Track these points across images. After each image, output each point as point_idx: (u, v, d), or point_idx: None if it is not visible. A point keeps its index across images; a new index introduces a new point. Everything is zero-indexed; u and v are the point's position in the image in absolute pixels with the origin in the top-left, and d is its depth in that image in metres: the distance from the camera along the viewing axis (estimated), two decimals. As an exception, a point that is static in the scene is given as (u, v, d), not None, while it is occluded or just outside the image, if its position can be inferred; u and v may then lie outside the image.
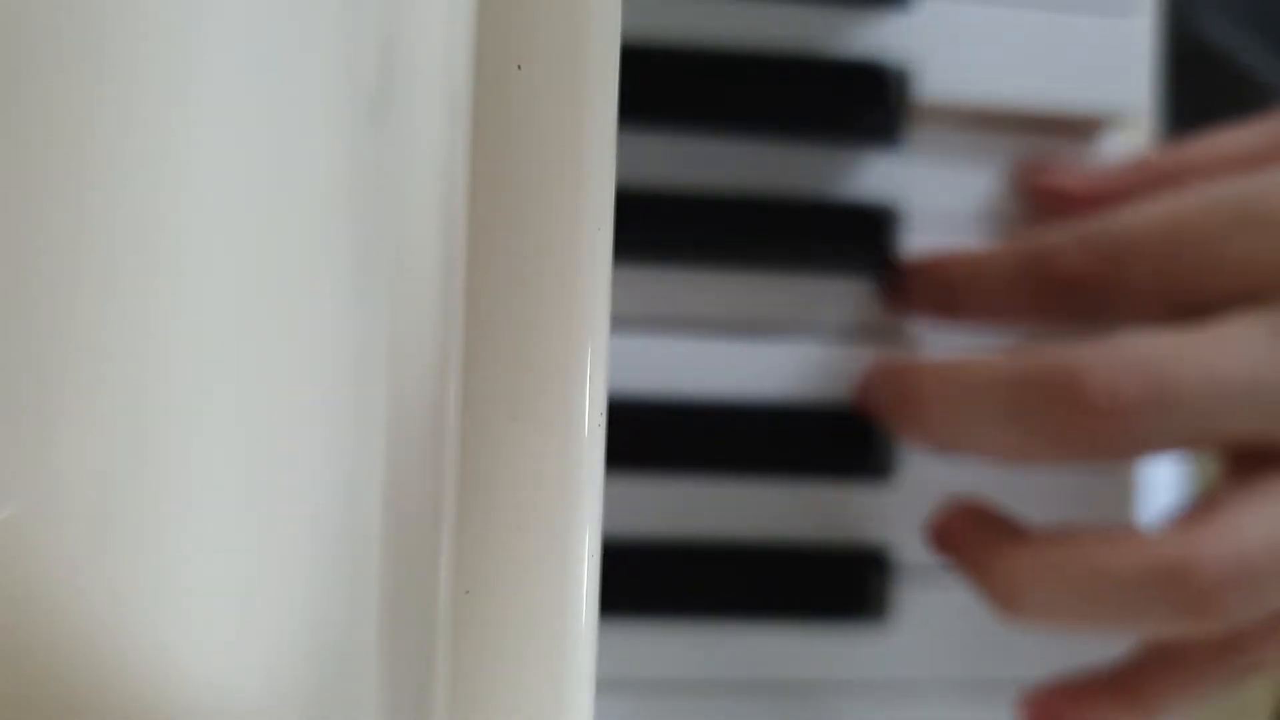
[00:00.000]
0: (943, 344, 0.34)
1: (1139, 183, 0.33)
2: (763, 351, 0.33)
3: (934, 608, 0.34)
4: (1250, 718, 0.40)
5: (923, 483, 0.34)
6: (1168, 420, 0.28)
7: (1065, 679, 0.33)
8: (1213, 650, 0.32)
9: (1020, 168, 0.34)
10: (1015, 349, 0.32)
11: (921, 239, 0.33)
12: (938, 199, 0.34)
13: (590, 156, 0.18)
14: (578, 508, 0.18)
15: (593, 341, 0.18)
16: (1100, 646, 0.34)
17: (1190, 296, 0.30)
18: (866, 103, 0.33)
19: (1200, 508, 0.30)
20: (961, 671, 0.34)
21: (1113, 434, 0.29)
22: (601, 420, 0.18)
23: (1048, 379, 0.29)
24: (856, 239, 0.33)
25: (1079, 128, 0.34)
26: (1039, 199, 0.34)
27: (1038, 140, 0.34)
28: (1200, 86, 0.44)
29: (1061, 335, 0.33)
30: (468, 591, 0.18)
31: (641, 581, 0.32)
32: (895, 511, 0.34)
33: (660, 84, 0.32)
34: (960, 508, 0.32)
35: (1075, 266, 0.30)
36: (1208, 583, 0.28)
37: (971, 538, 0.32)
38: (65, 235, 0.14)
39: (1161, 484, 0.36)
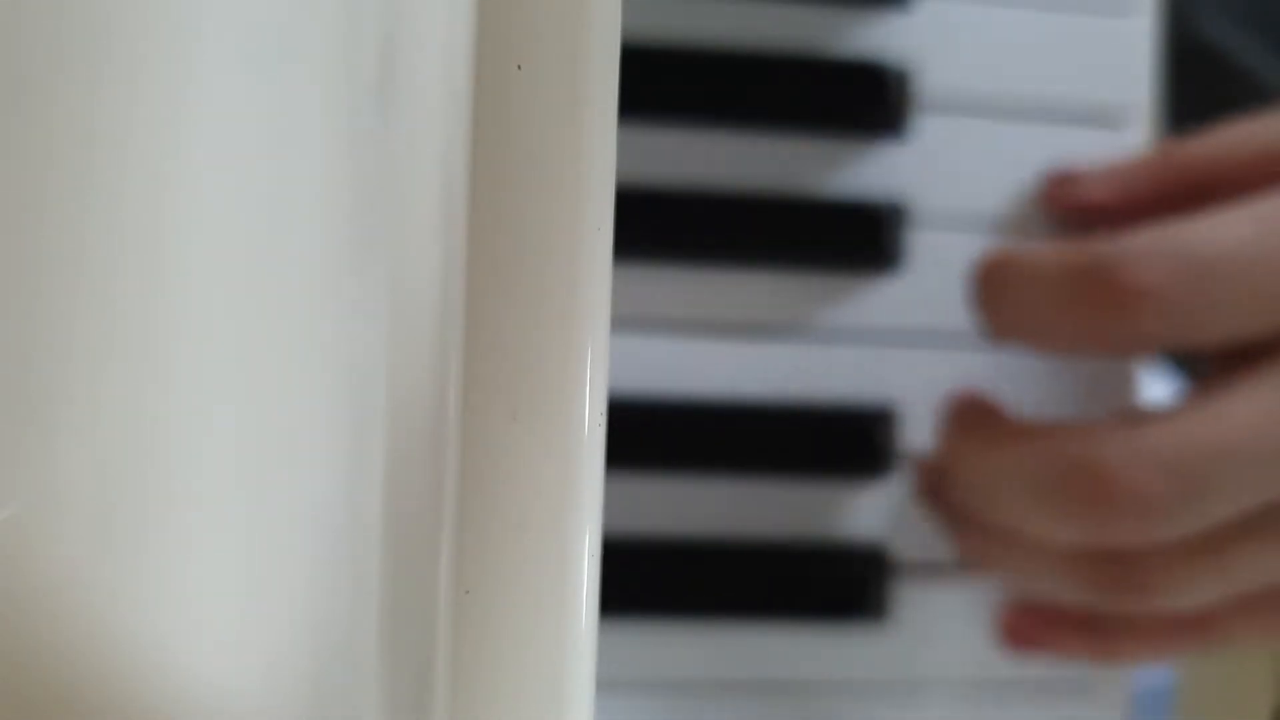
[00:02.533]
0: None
1: (1167, 183, 0.33)
2: (763, 351, 0.33)
3: (933, 608, 0.34)
4: (1250, 717, 0.40)
5: (923, 483, 0.34)
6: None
7: (1041, 607, 0.33)
8: (1180, 619, 0.32)
9: (1046, 180, 0.34)
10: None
11: (922, 238, 0.33)
12: (938, 199, 0.34)
13: (590, 156, 0.18)
14: (578, 508, 0.18)
15: (593, 341, 0.18)
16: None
17: (1256, 329, 0.29)
18: (867, 102, 0.33)
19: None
20: (961, 671, 0.34)
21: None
22: (601, 420, 0.18)
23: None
24: (857, 238, 0.33)
25: (1079, 128, 0.34)
26: (1066, 214, 0.34)
27: (1037, 140, 0.34)
28: (1200, 86, 0.44)
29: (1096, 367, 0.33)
30: (468, 591, 0.18)
31: (641, 581, 0.32)
32: (895, 511, 0.34)
33: (660, 84, 0.32)
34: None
35: (1146, 280, 0.29)
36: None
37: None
38: (65, 235, 0.14)
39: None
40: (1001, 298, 0.31)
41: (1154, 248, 0.29)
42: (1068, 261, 0.30)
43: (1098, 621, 0.32)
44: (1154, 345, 0.30)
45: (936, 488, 0.33)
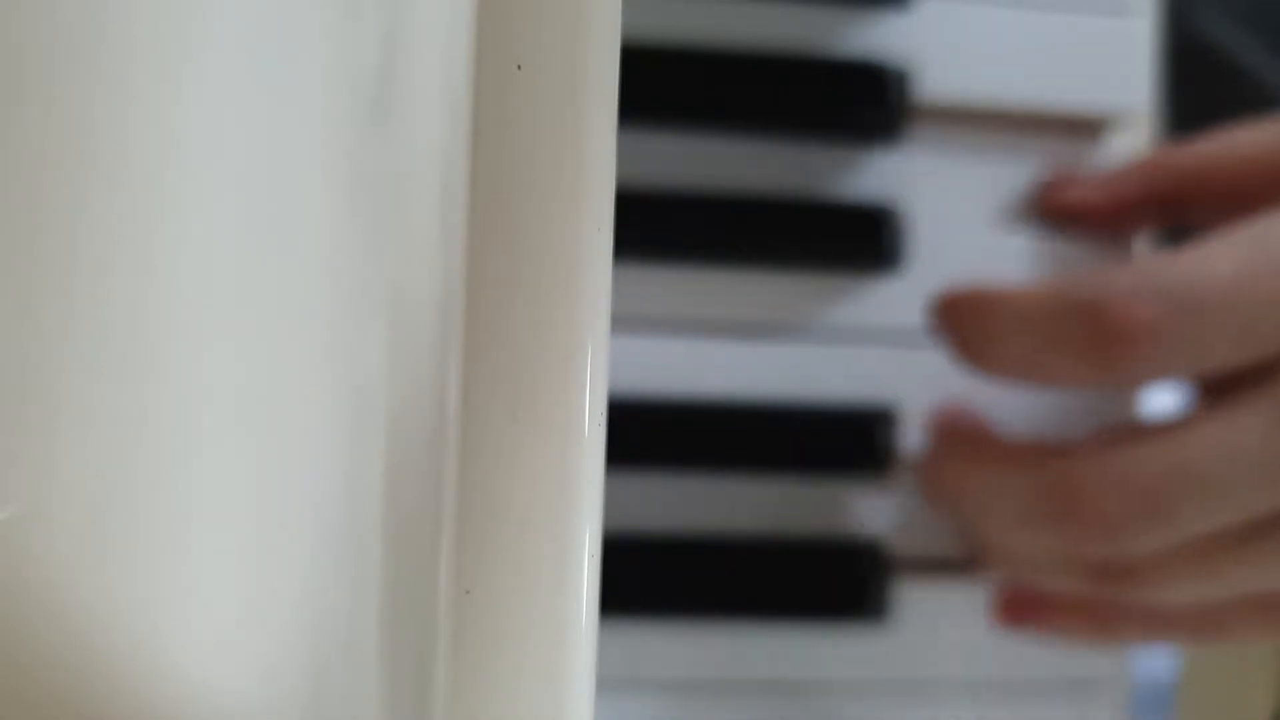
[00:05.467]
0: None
1: (1156, 189, 0.33)
2: (763, 351, 0.33)
3: (934, 607, 0.34)
4: (1250, 718, 0.40)
5: (923, 483, 0.34)
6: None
7: (1041, 592, 0.33)
8: (1178, 612, 0.32)
9: (1036, 186, 0.34)
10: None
11: (921, 238, 0.33)
12: (937, 199, 0.34)
13: (590, 156, 0.18)
14: (578, 508, 0.18)
15: (593, 341, 0.18)
16: (1098, 653, 0.34)
17: (1250, 356, 0.29)
18: (866, 103, 0.33)
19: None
20: (960, 671, 0.34)
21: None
22: (601, 420, 0.18)
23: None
24: (856, 238, 0.33)
25: (1079, 127, 0.34)
26: (1057, 217, 0.34)
27: (1037, 140, 0.34)
28: (1200, 86, 0.44)
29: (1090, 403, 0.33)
30: (468, 591, 0.18)
31: (642, 581, 0.32)
32: (895, 511, 0.34)
33: (660, 84, 0.32)
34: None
35: (1138, 316, 0.28)
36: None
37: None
38: (64, 238, 0.14)
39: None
40: (982, 339, 0.31)
41: (1141, 284, 0.28)
42: (1052, 303, 0.30)
43: (1094, 606, 0.33)
44: (1146, 380, 0.30)
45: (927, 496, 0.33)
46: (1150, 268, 0.29)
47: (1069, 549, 0.30)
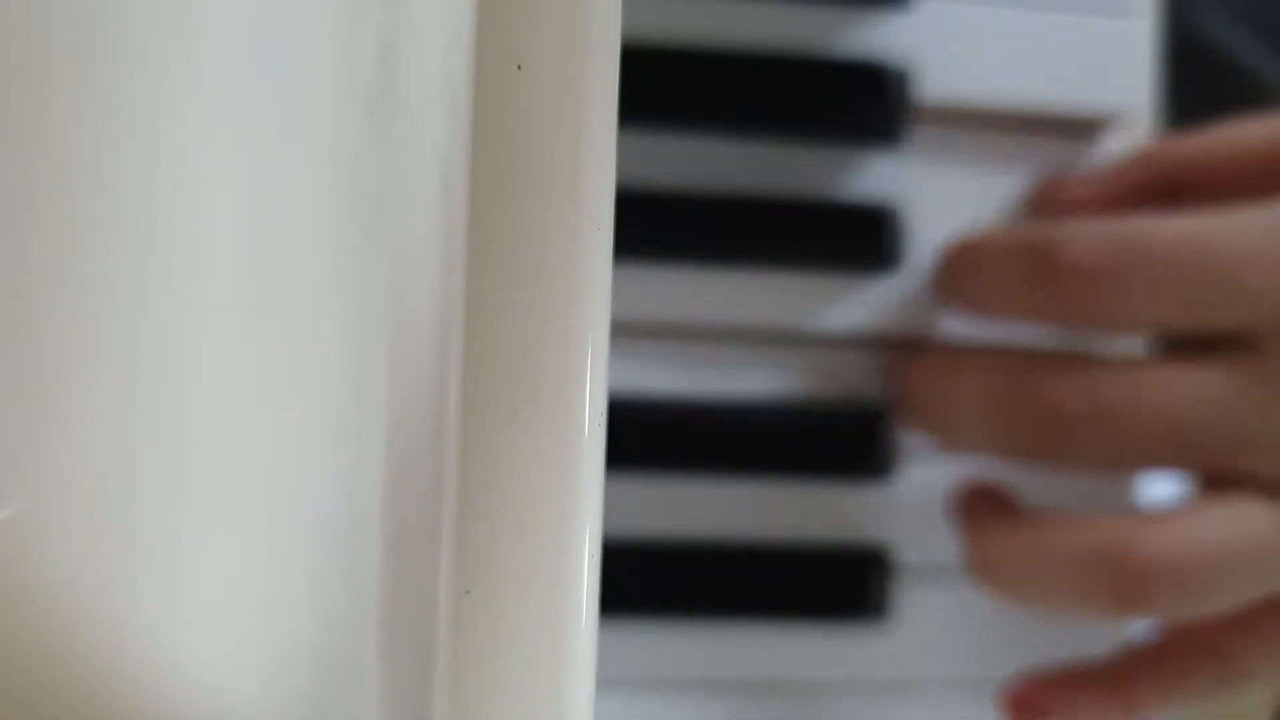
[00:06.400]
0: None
1: (1147, 182, 0.33)
2: (763, 352, 0.33)
3: (934, 608, 0.34)
4: (1250, 719, 0.40)
5: (923, 483, 0.34)
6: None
7: (1047, 671, 0.33)
8: (1197, 654, 0.32)
9: (1035, 186, 0.34)
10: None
11: (922, 239, 0.33)
12: (937, 199, 0.34)
13: (590, 156, 0.18)
14: (578, 508, 0.18)
15: (593, 341, 0.18)
16: (1098, 652, 0.34)
17: (1197, 320, 0.30)
18: (866, 103, 0.33)
19: (1162, 511, 0.32)
20: (961, 672, 0.34)
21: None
22: (601, 420, 0.18)
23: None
24: (856, 239, 0.33)
25: (1079, 128, 0.34)
26: (1056, 212, 0.34)
27: (1037, 140, 0.34)
28: (1200, 86, 0.44)
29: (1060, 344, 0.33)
30: (468, 591, 0.18)
31: (642, 581, 0.32)
32: (895, 512, 0.34)
33: (660, 84, 0.32)
34: (973, 484, 0.34)
35: (1082, 258, 0.30)
36: (1141, 570, 0.30)
37: (972, 511, 0.33)
38: (63, 237, 0.14)
39: (1160, 489, 0.36)
40: (965, 274, 0.33)
41: (1093, 232, 0.31)
42: (1018, 241, 0.32)
43: (1108, 675, 0.33)
44: (1101, 325, 0.32)
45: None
46: (1110, 222, 0.31)
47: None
